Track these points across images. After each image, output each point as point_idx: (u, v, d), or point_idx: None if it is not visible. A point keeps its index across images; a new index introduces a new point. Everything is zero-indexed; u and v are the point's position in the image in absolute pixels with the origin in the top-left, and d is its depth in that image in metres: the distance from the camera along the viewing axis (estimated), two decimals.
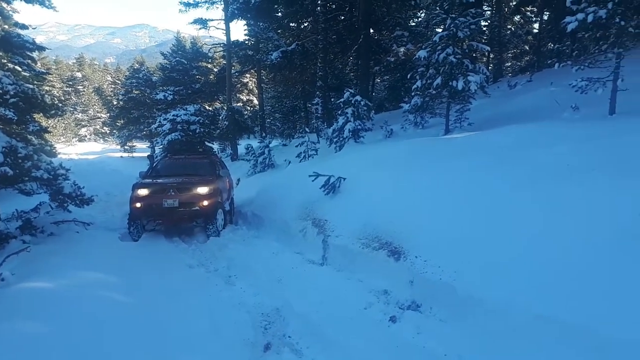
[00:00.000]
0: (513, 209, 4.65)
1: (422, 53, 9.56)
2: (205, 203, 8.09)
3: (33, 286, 4.67)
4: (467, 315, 3.86)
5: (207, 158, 10.44)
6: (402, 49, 17.71)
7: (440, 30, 9.86)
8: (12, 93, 6.87)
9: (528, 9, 23.56)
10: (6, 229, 7.24)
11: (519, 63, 28.08)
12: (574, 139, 5.81)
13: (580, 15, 6.78)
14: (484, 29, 21.77)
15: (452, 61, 8.77)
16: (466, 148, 7.04)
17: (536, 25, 24.31)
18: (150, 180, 8.76)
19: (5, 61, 7.67)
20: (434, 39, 9.32)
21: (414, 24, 22.31)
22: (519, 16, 24.77)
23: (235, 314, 4.59)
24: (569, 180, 4.69)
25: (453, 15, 9.04)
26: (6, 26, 8.45)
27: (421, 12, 21.67)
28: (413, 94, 10.14)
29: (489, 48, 12.07)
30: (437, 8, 9.88)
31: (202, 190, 8.19)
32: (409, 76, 10.67)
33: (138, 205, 8.04)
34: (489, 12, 22.76)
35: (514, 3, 23.23)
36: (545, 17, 22.11)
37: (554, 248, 3.86)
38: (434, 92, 9.36)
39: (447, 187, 5.72)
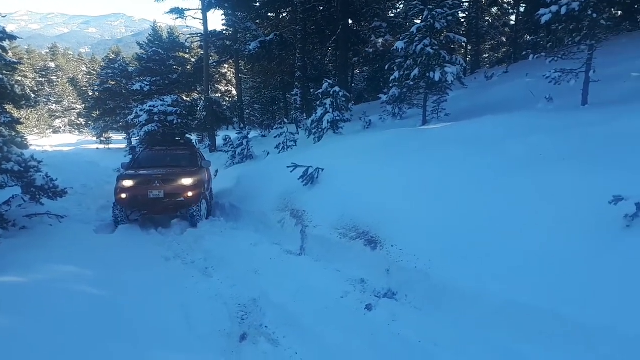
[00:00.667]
0: (487, 198, 4.74)
1: (399, 44, 9.58)
2: (190, 194, 8.20)
3: (4, 280, 4.57)
4: (441, 303, 3.92)
5: (188, 150, 10.49)
6: (380, 40, 17.74)
7: (418, 21, 9.88)
8: None
9: (505, 1, 23.81)
10: None
11: (496, 54, 28.45)
12: (547, 129, 5.92)
13: (554, 8, 6.88)
14: (462, 20, 21.94)
15: (429, 52, 8.81)
16: (442, 139, 7.13)
17: (513, 17, 24.61)
18: (135, 171, 8.76)
19: None
20: (411, 30, 9.35)
21: (392, 15, 22.33)
22: (496, 8, 25.02)
23: (212, 305, 4.57)
24: (542, 169, 4.79)
25: (430, 7, 9.08)
26: None
27: (400, 3, 21.69)
28: (391, 85, 10.16)
29: (465, 39, 12.17)
30: None
31: (187, 181, 8.29)
32: (387, 67, 10.68)
33: (123, 196, 8.07)
34: (466, 4, 22.92)
35: None
36: (522, 9, 22.38)
37: (526, 236, 3.95)
38: (411, 83, 9.39)
39: (423, 177, 5.80)
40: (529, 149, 5.42)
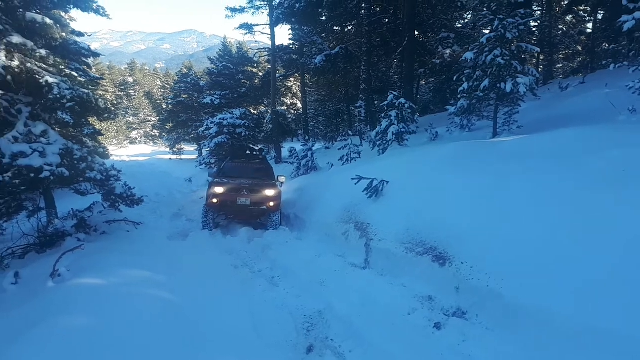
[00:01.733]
0: (564, 214, 4.47)
1: (468, 55, 9.38)
2: (272, 204, 9.21)
3: (86, 282, 4.86)
4: (515, 324, 3.74)
5: (264, 164, 11.49)
6: (448, 51, 17.43)
7: (487, 31, 9.63)
8: (68, 98, 7.20)
9: (581, 8, 22.66)
10: (63, 227, 7.62)
11: (570, 64, 27.09)
12: (630, 143, 5.54)
13: (637, 14, 6.48)
14: (534, 29, 21.12)
15: (500, 63, 8.55)
16: (515, 152, 6.83)
17: (590, 25, 23.36)
18: (224, 179, 9.63)
19: (62, 67, 8.03)
20: (481, 41, 9.13)
21: (460, 25, 21.90)
22: (571, 16, 23.86)
23: (279, 315, 4.64)
24: (625, 186, 4.47)
25: (501, 16, 8.83)
26: (64, 34, 8.84)
27: (468, 13, 21.23)
28: (459, 96, 9.94)
29: (538, 49, 11.62)
30: (485, 9, 9.64)
31: (270, 192, 9.32)
32: (455, 78, 10.47)
33: (215, 201, 8.97)
34: (539, 12, 22.06)
35: (566, 2, 22.40)
36: (600, 17, 21.20)
37: (607, 255, 3.68)
38: (481, 94, 9.15)
39: (494, 191, 5.56)
40: (609, 164, 5.07)
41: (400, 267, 5.51)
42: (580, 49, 24.49)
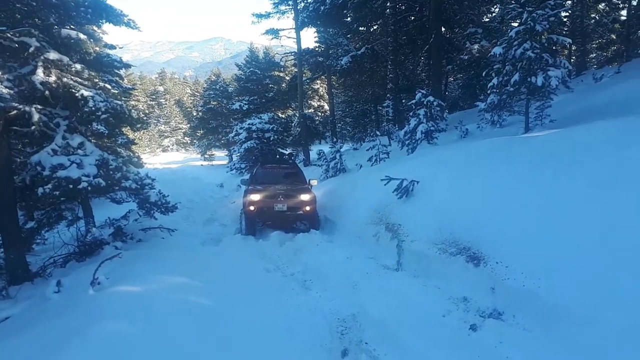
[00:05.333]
0: (602, 212, 4.30)
1: (497, 49, 9.21)
2: (308, 208, 9.31)
3: (125, 290, 4.99)
4: (554, 325, 3.63)
5: (295, 168, 11.59)
6: (475, 46, 17.08)
7: (516, 24, 9.42)
8: (103, 109, 7.40)
9: None
10: (100, 235, 7.85)
11: (605, 54, 26.23)
12: None
13: None
14: (565, 20, 20.56)
15: (530, 56, 8.36)
16: (548, 147, 6.60)
17: (624, 12, 22.55)
18: (258, 186, 9.70)
19: (97, 80, 8.26)
20: (510, 35, 8.94)
21: (487, 19, 21.51)
22: (603, 4, 23.08)
23: (312, 318, 4.65)
24: None
25: (530, 9, 8.63)
26: (97, 48, 9.12)
27: (495, 7, 20.83)
28: (489, 91, 9.76)
29: (570, 40, 11.21)
30: (513, 2, 9.42)
31: (305, 197, 9.39)
32: (484, 74, 10.28)
33: (252, 208, 9.03)
34: (569, 2, 21.44)
35: None
36: (635, 3, 20.45)
37: None
38: (511, 89, 8.95)
39: (529, 189, 5.41)
40: None
41: (434, 268, 5.43)
42: (615, 37, 23.72)
